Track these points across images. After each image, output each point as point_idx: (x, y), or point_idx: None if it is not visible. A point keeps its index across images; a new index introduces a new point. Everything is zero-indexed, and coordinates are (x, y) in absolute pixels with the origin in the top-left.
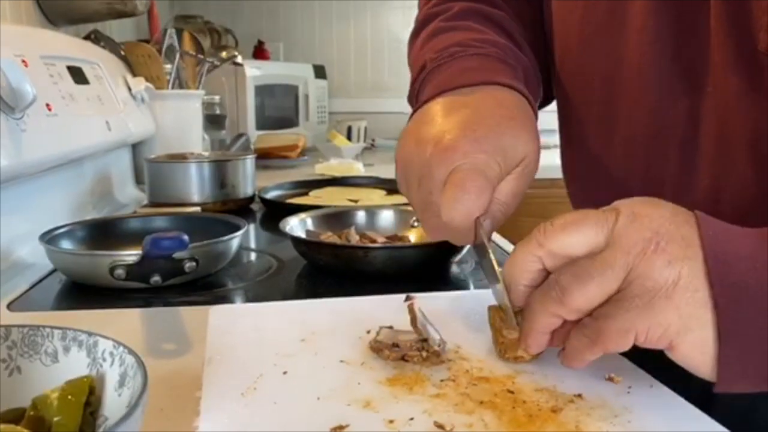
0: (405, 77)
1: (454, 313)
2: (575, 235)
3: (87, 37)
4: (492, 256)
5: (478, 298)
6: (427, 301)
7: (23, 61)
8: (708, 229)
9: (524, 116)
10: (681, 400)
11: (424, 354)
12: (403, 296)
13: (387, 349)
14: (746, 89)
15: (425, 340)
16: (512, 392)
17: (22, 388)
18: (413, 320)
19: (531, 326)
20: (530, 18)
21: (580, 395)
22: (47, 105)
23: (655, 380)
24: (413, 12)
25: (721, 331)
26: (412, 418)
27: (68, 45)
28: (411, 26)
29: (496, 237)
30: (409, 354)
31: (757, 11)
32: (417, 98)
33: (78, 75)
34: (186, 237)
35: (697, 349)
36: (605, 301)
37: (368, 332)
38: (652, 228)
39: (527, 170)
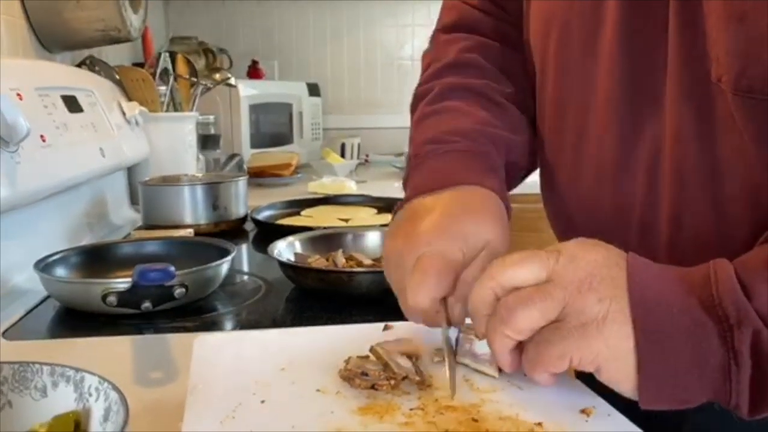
0: (397, 93)
1: (430, 341)
2: (522, 270)
3: (83, 63)
4: (450, 344)
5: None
6: (404, 328)
7: (18, 95)
8: (635, 274)
9: (487, 207)
10: (636, 429)
11: (392, 382)
12: (381, 325)
13: (357, 377)
14: (699, 119)
15: (365, 374)
16: (476, 420)
17: (13, 422)
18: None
19: (492, 348)
20: (518, 62)
21: (540, 423)
22: (41, 136)
23: (613, 409)
24: (405, 30)
25: (639, 362)
26: None
27: (63, 74)
28: (403, 44)
29: None
30: (378, 383)
31: (709, 44)
32: (404, 190)
33: (72, 104)
34: (172, 268)
35: (621, 374)
36: (545, 326)
37: (345, 361)
38: (587, 269)
39: (492, 254)
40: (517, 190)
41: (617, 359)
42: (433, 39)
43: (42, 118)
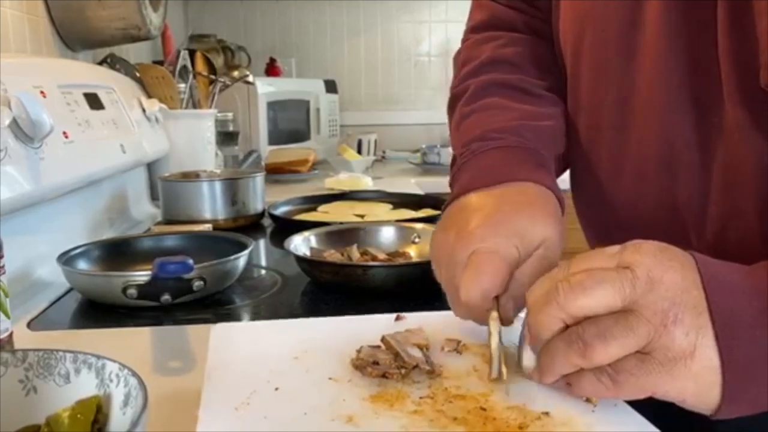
0: (414, 90)
1: (442, 332)
2: (594, 298)
3: (104, 61)
4: (497, 339)
5: None
6: (417, 319)
7: (42, 92)
8: (714, 294)
9: (542, 203)
10: (642, 419)
11: (403, 371)
12: (393, 316)
13: (369, 366)
14: (750, 123)
15: (377, 363)
16: (484, 409)
17: (37, 407)
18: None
19: (551, 369)
20: (552, 55)
21: (547, 413)
22: (64, 133)
23: (620, 400)
24: (422, 27)
25: (725, 396)
26: None
27: (84, 72)
28: (420, 41)
29: None
30: (389, 372)
31: (759, 49)
32: (451, 189)
33: (94, 101)
34: (190, 261)
35: (704, 404)
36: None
37: (358, 350)
38: (669, 298)
39: (548, 252)
40: None
41: (702, 393)
42: (465, 40)
43: (65, 115)
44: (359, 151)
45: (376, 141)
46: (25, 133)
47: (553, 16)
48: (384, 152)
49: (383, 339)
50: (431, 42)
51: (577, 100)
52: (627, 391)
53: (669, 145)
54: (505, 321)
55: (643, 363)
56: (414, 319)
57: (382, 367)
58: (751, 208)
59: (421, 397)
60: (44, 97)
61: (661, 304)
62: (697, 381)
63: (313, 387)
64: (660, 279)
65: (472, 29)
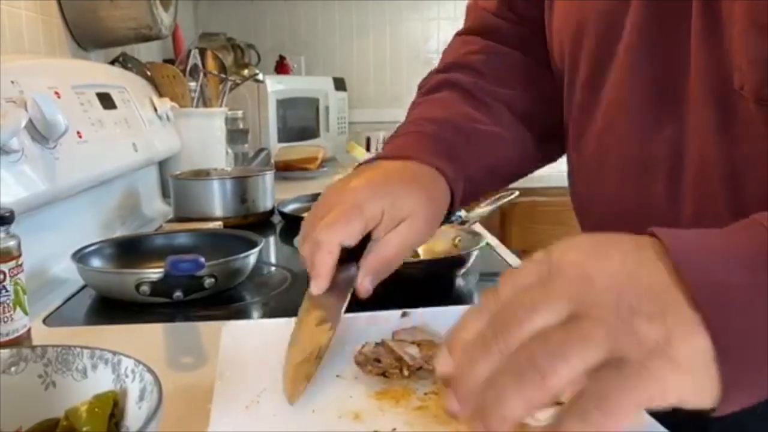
0: None
1: (447, 327)
2: (533, 323)
3: (115, 60)
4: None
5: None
6: (423, 316)
7: (56, 93)
8: (686, 261)
9: (425, 183)
10: (650, 419)
11: (406, 372)
12: (399, 312)
13: (369, 363)
14: (721, 125)
15: (402, 359)
16: None
17: (56, 401)
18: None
19: (500, 415)
20: (526, 68)
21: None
22: (78, 133)
23: None
24: (431, 24)
25: (724, 375)
26: (394, 429)
27: (97, 72)
28: (428, 38)
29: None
30: (389, 372)
31: (733, 51)
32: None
33: (106, 100)
34: (202, 259)
35: (705, 397)
36: (592, 376)
37: (362, 346)
38: (613, 288)
39: (413, 228)
40: (542, 183)
41: (699, 383)
42: (453, 39)
43: (78, 115)
44: (368, 149)
45: (384, 139)
46: (41, 133)
47: (546, 22)
48: None
49: (384, 343)
50: (439, 39)
51: (570, 106)
52: (621, 411)
53: (647, 147)
54: (362, 291)
55: (622, 370)
56: (419, 315)
57: (383, 365)
58: (724, 210)
59: (425, 393)
60: (59, 97)
61: (607, 298)
62: (688, 369)
63: (321, 384)
64: (596, 272)
65: (462, 32)
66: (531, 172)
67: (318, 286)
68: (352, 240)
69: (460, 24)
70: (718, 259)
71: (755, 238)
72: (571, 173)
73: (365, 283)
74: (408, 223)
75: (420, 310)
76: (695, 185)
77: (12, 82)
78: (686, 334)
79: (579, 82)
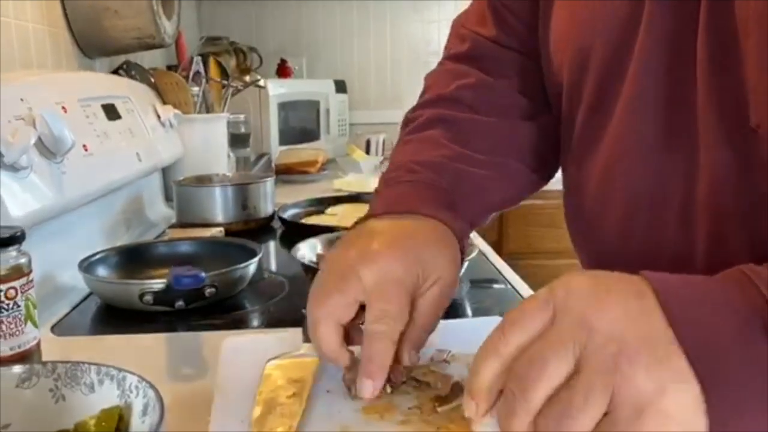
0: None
1: (432, 339)
2: (551, 381)
3: (120, 67)
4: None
5: (458, 328)
6: None
7: (63, 108)
8: (678, 315)
9: (444, 242)
10: None
11: (388, 389)
12: None
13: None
14: (736, 164)
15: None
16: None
17: (65, 413)
18: None
19: None
20: (516, 102)
21: None
22: (84, 146)
23: None
24: (431, 26)
25: (713, 422)
26: None
27: (102, 83)
28: (429, 40)
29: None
30: None
31: (748, 89)
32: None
33: (111, 111)
34: (203, 274)
35: None
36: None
37: (347, 367)
38: (615, 338)
39: (442, 291)
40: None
41: (686, 428)
42: (440, 64)
43: (84, 128)
44: (367, 151)
45: (384, 140)
46: (49, 149)
47: (542, 49)
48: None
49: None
50: (440, 41)
51: (568, 134)
52: None
53: (658, 184)
54: (406, 362)
55: (617, 425)
56: None
57: None
58: (739, 249)
59: (409, 408)
60: (65, 112)
61: (608, 350)
62: (680, 421)
63: (313, 399)
64: (597, 321)
65: (451, 57)
66: (524, 199)
67: (376, 383)
68: (401, 318)
69: None
70: (710, 313)
71: (746, 293)
72: (568, 207)
73: (412, 357)
74: (438, 288)
75: None
76: (709, 223)
77: (21, 99)
78: (683, 386)
79: (581, 112)
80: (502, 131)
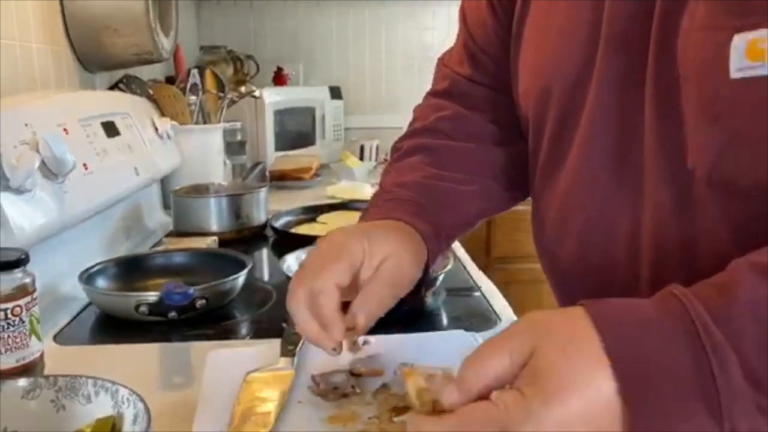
0: (417, 94)
1: (397, 353)
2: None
3: (119, 81)
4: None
5: (425, 340)
6: (381, 342)
7: (65, 130)
8: (614, 344)
9: (402, 236)
10: None
11: (358, 390)
12: (362, 339)
13: (330, 393)
14: (676, 199)
15: (336, 388)
16: None
17: (65, 422)
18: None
19: None
20: (489, 132)
21: None
22: (84, 165)
23: None
24: (425, 33)
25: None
26: None
27: (102, 101)
28: (423, 46)
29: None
30: (346, 391)
31: (687, 132)
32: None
33: (110, 129)
34: (192, 290)
35: None
36: None
37: (316, 382)
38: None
39: (397, 267)
40: None
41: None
42: (425, 99)
43: (84, 147)
44: (361, 158)
45: (377, 146)
46: (51, 171)
47: (513, 88)
48: (386, 156)
49: (313, 377)
50: (434, 47)
51: (535, 165)
52: None
53: (608, 211)
54: (358, 327)
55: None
56: (378, 340)
57: (340, 390)
58: (678, 279)
59: (369, 418)
60: (67, 134)
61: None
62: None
63: (286, 409)
64: (546, 374)
65: (433, 93)
66: (499, 213)
67: (334, 335)
68: (343, 279)
69: (454, 32)
70: (640, 339)
71: (668, 304)
72: (534, 234)
73: (359, 318)
74: (392, 262)
75: (378, 337)
76: (653, 254)
77: (25, 124)
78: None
79: (544, 145)
80: (477, 154)
